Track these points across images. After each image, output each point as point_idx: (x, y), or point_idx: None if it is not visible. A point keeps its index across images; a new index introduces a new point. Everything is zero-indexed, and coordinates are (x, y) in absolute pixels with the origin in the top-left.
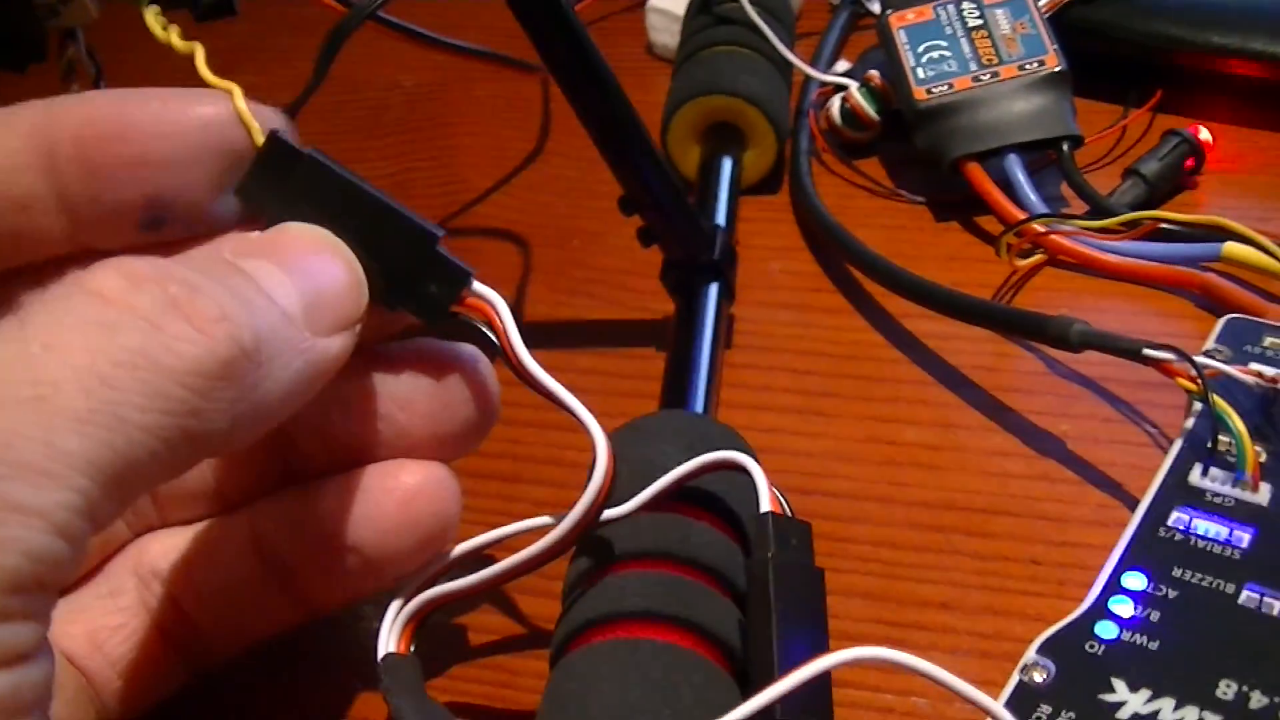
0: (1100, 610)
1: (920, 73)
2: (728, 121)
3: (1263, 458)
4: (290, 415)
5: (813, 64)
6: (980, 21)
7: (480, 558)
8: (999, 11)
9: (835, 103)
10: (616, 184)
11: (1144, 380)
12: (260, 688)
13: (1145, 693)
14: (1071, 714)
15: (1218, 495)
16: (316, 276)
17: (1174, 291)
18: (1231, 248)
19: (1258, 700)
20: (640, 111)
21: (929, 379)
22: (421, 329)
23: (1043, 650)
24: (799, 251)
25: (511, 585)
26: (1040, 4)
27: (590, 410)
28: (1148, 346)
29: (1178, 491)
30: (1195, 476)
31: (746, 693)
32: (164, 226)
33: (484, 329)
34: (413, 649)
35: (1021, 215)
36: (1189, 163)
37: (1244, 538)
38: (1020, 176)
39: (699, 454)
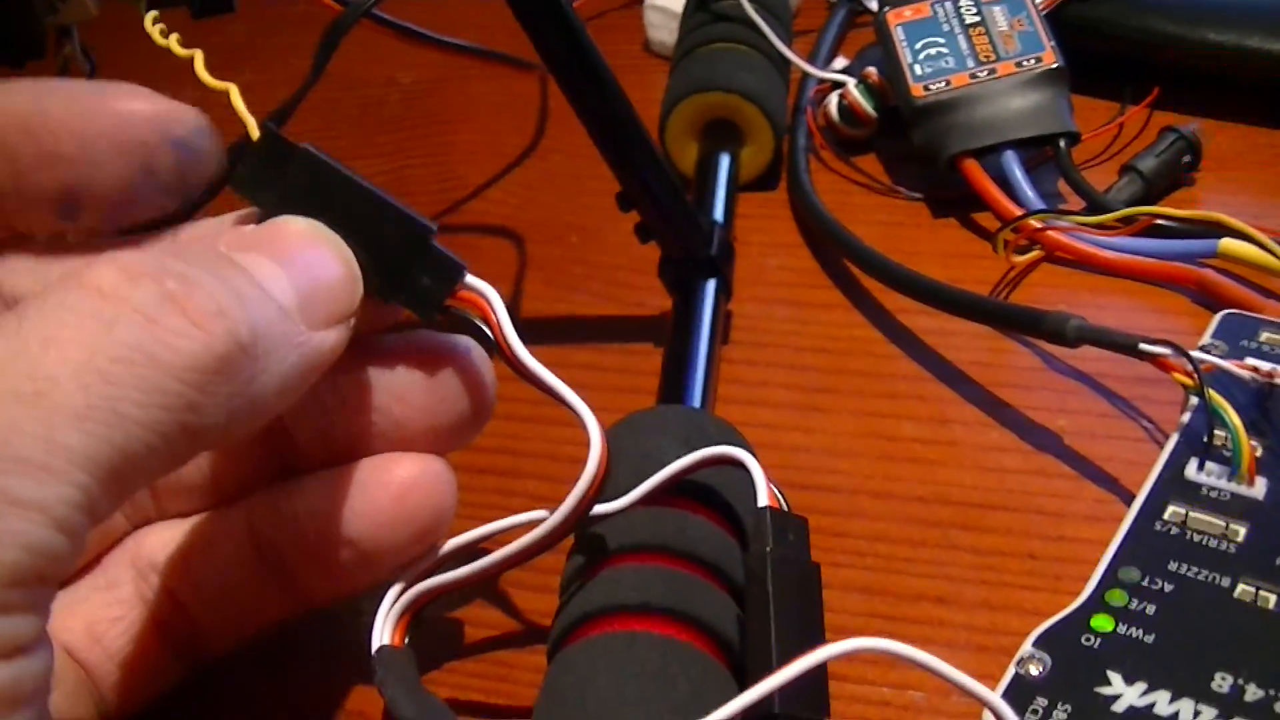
0: (1096, 604)
1: (917, 69)
2: (725, 118)
3: (1258, 452)
4: (286, 408)
5: (810, 61)
6: (978, 18)
7: (475, 551)
8: (996, 8)
9: (833, 99)
10: (614, 180)
11: (1140, 376)
12: (258, 683)
13: (1141, 685)
14: (1067, 707)
15: (1213, 489)
16: (311, 270)
17: (1170, 287)
18: (1228, 244)
19: (1253, 693)
20: (638, 108)
21: (926, 374)
22: (417, 324)
23: (1039, 644)
24: (796, 248)
25: (508, 580)
26: (1037, 1)
27: (587, 405)
28: (1144, 342)
29: (1174, 486)
30: (1191, 471)
31: (744, 686)
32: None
33: (478, 322)
34: (407, 641)
35: (1018, 211)
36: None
37: (1239, 531)
38: (1017, 173)
39: (696, 449)
